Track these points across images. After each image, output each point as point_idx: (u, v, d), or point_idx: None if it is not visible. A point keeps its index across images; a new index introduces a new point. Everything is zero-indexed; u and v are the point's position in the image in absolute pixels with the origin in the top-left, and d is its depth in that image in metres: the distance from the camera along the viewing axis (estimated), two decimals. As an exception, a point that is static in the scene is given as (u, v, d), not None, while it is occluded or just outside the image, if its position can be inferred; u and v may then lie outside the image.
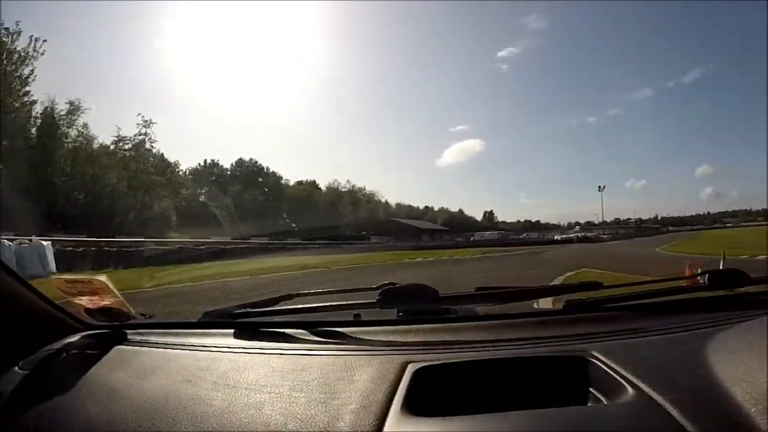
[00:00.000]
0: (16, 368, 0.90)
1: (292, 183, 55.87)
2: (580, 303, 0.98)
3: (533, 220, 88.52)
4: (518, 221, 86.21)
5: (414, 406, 0.63)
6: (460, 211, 79.89)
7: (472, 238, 50.97)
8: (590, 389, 0.69)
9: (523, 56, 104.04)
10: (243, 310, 1.07)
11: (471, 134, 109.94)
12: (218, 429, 0.63)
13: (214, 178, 48.49)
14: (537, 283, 1.60)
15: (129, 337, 1.04)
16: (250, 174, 49.60)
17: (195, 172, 50.30)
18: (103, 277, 1.06)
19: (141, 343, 0.99)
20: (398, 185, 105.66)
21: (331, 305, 1.05)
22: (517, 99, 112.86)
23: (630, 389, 0.61)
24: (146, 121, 28.29)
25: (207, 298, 7.57)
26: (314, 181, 58.39)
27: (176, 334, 1.04)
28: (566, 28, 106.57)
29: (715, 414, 0.54)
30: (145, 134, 28.00)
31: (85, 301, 1.05)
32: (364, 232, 46.88)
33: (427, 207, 76.34)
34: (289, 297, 1.16)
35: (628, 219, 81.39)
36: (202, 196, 46.53)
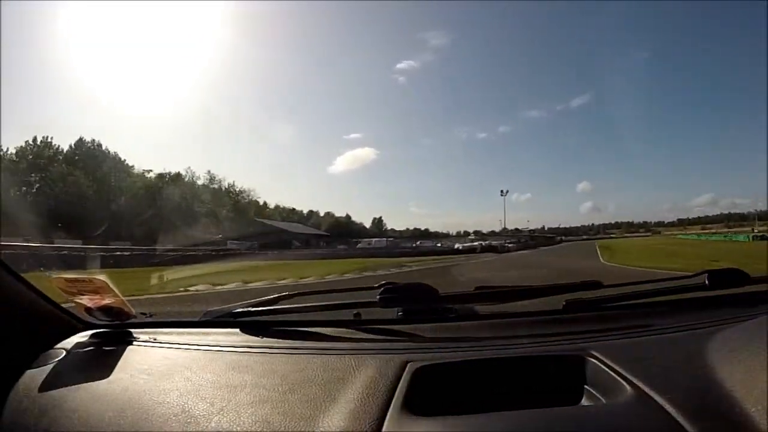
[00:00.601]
0: (17, 368, 0.89)
1: (150, 175, 45.42)
2: (580, 302, 0.97)
3: (422, 228, 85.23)
4: (407, 229, 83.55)
5: (413, 406, 0.63)
6: (347, 217, 75.38)
7: (358, 245, 44.08)
8: (589, 388, 0.69)
9: (422, 70, 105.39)
10: (244, 309, 1.06)
11: (365, 142, 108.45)
12: (219, 428, 0.63)
13: (43, 161, 38.23)
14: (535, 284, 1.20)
15: (129, 336, 1.03)
16: (89, 158, 39.57)
17: (21, 152, 39.58)
18: (103, 277, 1.05)
19: (142, 343, 0.99)
20: (289, 190, 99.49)
21: (331, 304, 1.05)
22: (412, 110, 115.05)
23: (629, 389, 0.62)
24: None
25: None
26: (178, 173, 48.44)
27: (177, 334, 1.03)
28: (466, 47, 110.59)
29: (715, 414, 0.54)
30: None
31: (86, 300, 1.04)
32: (220, 236, 37.59)
33: (311, 211, 70.52)
34: (289, 296, 1.15)
35: (516, 228, 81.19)
36: (36, 183, 36.36)
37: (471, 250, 35.50)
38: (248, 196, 56.94)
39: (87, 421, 0.70)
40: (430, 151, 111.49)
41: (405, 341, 0.89)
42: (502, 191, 55.39)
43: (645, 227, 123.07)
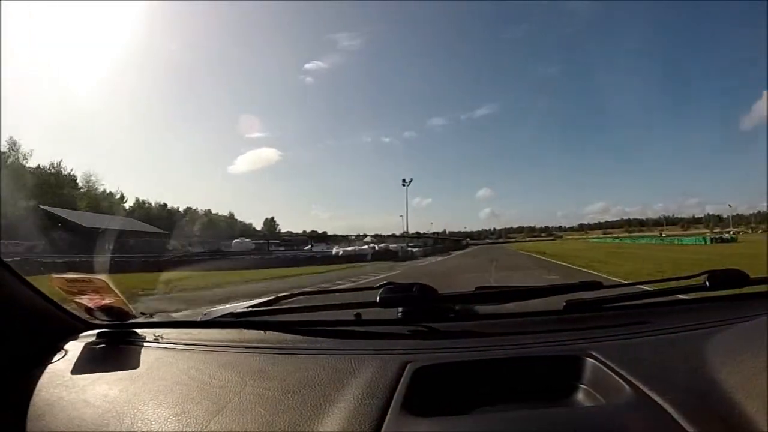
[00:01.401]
0: (18, 368, 0.89)
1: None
2: (580, 303, 0.97)
3: (321, 231, 76.60)
4: (305, 231, 74.80)
5: (413, 406, 0.63)
6: (230, 215, 67.57)
7: (213, 248, 34.10)
8: (589, 389, 0.69)
9: (331, 71, 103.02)
10: (245, 310, 1.06)
11: (268, 142, 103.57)
12: (220, 428, 0.63)
13: None
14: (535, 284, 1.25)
15: (129, 336, 1.03)
16: None
17: None
18: (103, 277, 1.05)
19: (143, 343, 0.99)
20: (190, 189, 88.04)
21: (332, 305, 1.05)
22: (318, 112, 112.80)
23: (629, 389, 0.62)
24: None
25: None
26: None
27: (178, 334, 1.03)
28: (376, 51, 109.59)
29: (715, 414, 0.54)
30: None
31: (86, 300, 1.04)
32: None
33: (189, 208, 60.47)
34: (291, 296, 1.14)
35: (417, 232, 76.98)
36: None
37: (358, 257, 24.83)
38: (87, 182, 42.28)
39: (87, 421, 0.70)
40: (334, 154, 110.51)
41: (405, 341, 0.89)
42: (404, 180, 47.98)
43: (547, 231, 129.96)
